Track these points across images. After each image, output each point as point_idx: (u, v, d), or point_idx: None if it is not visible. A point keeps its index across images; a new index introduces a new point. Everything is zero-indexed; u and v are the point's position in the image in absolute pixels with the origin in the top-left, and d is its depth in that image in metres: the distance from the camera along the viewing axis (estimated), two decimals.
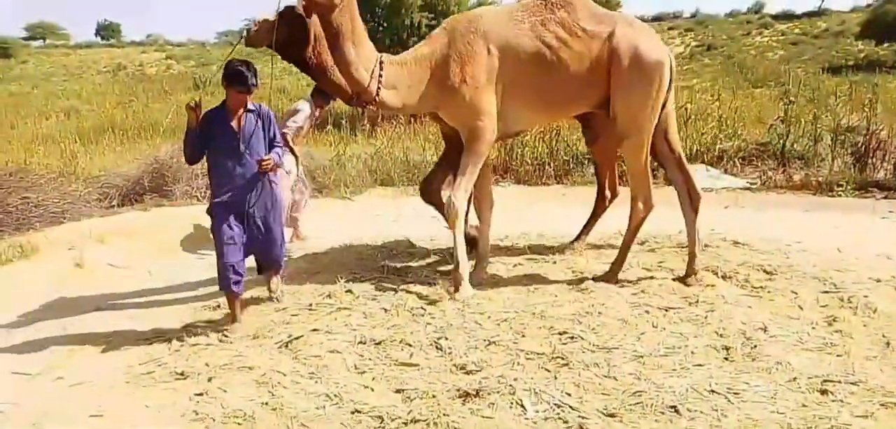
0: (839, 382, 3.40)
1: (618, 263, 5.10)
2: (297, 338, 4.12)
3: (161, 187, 8.74)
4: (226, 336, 4.27)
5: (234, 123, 4.30)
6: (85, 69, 42.98)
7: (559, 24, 4.79)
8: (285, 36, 4.40)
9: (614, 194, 6.04)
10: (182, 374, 3.79)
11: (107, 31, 65.40)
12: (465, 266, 4.82)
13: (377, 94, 4.67)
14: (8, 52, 43.97)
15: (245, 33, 4.41)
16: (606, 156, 5.90)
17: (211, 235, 4.48)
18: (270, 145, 4.43)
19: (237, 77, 4.18)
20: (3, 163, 9.24)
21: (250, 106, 4.34)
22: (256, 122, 4.35)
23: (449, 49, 4.75)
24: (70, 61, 45.95)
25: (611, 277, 5.02)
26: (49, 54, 49.09)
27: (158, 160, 9.03)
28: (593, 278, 5.03)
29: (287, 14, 4.40)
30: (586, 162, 9.22)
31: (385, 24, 18.96)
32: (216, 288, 4.59)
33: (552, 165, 9.64)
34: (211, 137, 4.27)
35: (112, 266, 6.05)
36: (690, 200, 5.05)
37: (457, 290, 4.71)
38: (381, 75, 4.65)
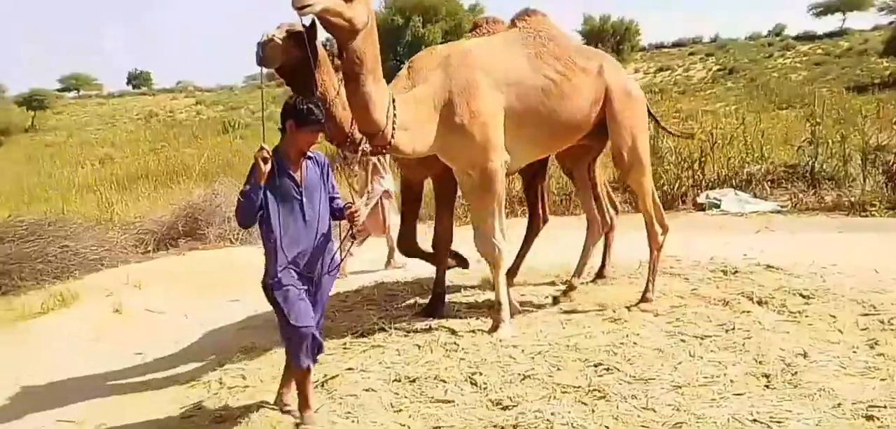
0: (885, 407, 3.31)
1: (649, 290, 5.11)
2: (332, 377, 4.13)
3: (195, 231, 8.96)
4: (288, 407, 3.79)
5: (294, 173, 3.46)
6: (118, 117, 44.34)
7: (554, 57, 4.74)
8: (298, 56, 3.88)
9: (616, 210, 6.09)
10: (220, 418, 3.82)
11: (138, 80, 67.73)
12: (507, 308, 4.71)
13: (392, 138, 4.06)
14: (44, 103, 45.60)
15: (260, 49, 3.82)
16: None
17: (273, 308, 3.52)
18: (331, 200, 3.61)
19: (309, 115, 3.34)
20: (42, 213, 9.54)
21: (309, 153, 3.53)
22: (316, 170, 3.54)
23: (450, 84, 4.33)
24: (103, 110, 47.46)
25: (644, 303, 5.01)
26: (83, 104, 50.80)
27: (191, 205, 9.27)
28: (627, 307, 5.01)
29: (301, 33, 3.82)
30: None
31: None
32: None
33: None
34: (266, 191, 3.38)
35: (150, 311, 6.18)
36: (599, 230, 5.72)
37: (496, 329, 4.64)
38: (394, 115, 4.04)
